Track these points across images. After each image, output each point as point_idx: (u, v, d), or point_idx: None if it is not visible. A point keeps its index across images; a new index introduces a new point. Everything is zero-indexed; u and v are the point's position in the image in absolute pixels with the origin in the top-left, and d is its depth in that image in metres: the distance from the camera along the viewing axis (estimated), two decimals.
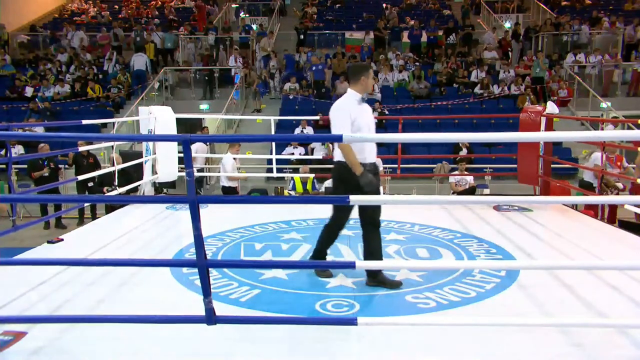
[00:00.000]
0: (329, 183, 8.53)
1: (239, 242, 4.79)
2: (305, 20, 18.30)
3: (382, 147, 11.75)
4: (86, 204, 8.59)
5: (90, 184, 9.03)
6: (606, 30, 15.97)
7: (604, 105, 13.42)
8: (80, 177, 6.57)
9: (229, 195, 7.73)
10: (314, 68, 14.61)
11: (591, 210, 6.38)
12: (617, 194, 7.14)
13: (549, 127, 6.44)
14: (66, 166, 10.47)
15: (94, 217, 9.10)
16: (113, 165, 6.16)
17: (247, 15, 19.80)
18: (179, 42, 16.11)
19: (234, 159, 7.67)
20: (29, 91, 14.42)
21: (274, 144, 7.98)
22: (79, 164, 9.10)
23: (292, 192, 8.42)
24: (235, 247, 4.62)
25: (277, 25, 19.25)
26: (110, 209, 6.84)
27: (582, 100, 13.75)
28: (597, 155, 6.90)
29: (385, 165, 10.88)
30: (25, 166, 9.55)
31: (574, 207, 6.39)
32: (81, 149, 7.19)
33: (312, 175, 8.29)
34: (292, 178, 8.45)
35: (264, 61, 15.75)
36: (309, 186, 8.33)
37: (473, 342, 2.76)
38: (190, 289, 3.54)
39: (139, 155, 6.93)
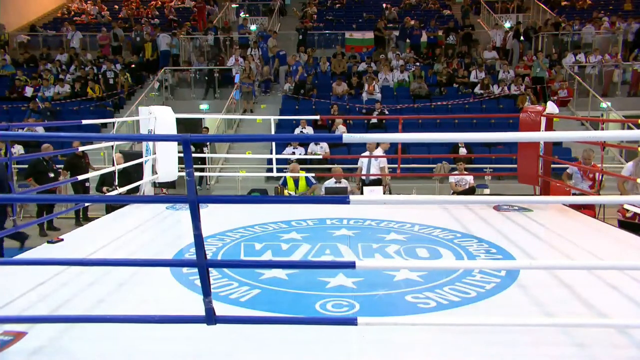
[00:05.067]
0: (329, 183, 8.52)
1: (239, 242, 4.79)
2: (305, 20, 18.30)
3: None
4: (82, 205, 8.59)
5: (88, 184, 9.01)
6: (606, 30, 15.97)
7: (604, 105, 13.42)
8: (80, 177, 6.57)
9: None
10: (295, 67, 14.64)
11: (590, 210, 6.38)
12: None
13: (549, 127, 6.43)
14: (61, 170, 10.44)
15: (85, 216, 9.10)
16: (113, 165, 6.15)
17: (247, 15, 19.80)
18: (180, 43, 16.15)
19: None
20: (29, 91, 14.43)
21: (274, 143, 7.98)
22: (75, 165, 9.07)
23: (291, 192, 8.37)
24: (235, 247, 4.62)
25: (277, 25, 19.24)
26: (110, 209, 6.84)
27: (582, 100, 13.76)
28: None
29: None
30: (25, 166, 9.50)
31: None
32: (81, 148, 7.19)
33: (303, 174, 8.17)
34: (284, 177, 8.30)
35: (272, 61, 15.75)
36: (302, 184, 8.18)
37: (473, 342, 2.76)
38: (190, 289, 3.54)
39: (139, 155, 6.93)
